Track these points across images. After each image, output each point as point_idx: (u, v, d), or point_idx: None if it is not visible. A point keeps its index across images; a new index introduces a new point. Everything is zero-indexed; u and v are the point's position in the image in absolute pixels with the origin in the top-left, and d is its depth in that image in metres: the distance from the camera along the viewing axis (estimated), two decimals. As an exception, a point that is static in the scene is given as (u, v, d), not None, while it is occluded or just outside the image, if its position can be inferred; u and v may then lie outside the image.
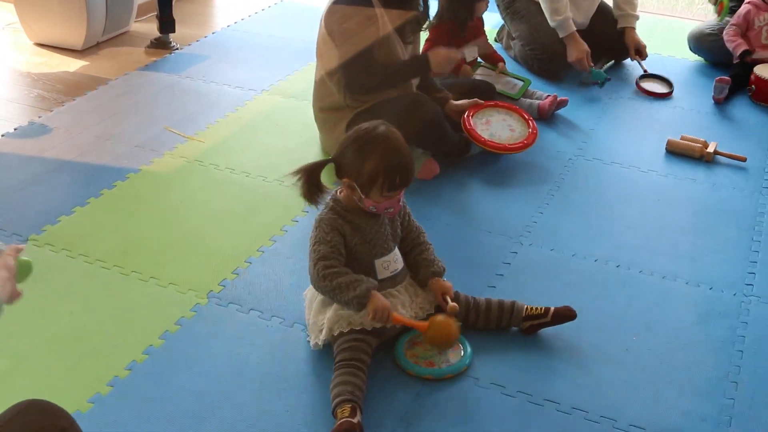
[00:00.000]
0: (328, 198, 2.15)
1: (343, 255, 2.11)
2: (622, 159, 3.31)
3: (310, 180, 2.08)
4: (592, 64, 3.90)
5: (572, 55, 3.87)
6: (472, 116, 3.18)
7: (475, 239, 2.74)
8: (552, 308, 2.23)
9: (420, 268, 2.23)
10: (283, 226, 2.77)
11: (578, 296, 2.44)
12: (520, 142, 3.17)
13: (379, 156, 2.01)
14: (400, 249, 2.26)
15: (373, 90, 3.02)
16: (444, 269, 2.23)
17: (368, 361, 2.05)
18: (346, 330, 2.09)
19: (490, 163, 3.19)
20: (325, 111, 3.15)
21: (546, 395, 2.07)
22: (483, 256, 2.65)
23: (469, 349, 2.18)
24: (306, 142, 3.35)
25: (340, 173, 2.09)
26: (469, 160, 3.21)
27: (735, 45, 3.96)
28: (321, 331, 2.14)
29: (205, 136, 3.39)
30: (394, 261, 2.19)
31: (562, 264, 2.61)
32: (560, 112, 3.65)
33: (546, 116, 3.57)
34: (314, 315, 2.18)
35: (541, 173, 3.18)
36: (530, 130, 3.21)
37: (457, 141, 3.15)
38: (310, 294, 2.22)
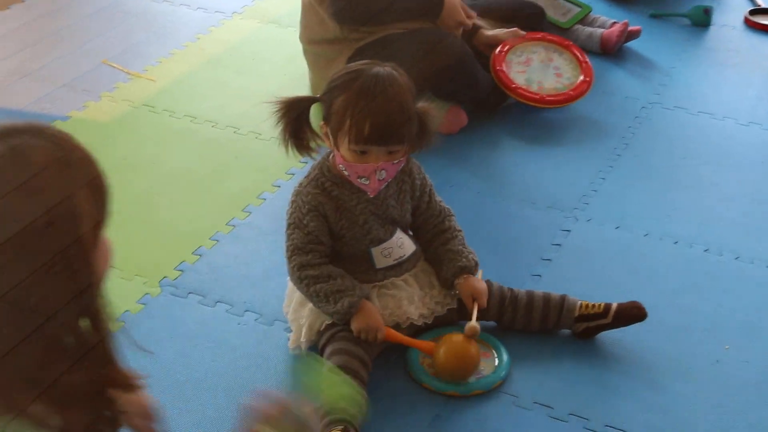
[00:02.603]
0: (317, 160, 2.15)
1: (326, 243, 2.13)
2: (713, 107, 3.31)
3: (291, 117, 2.09)
4: None
5: None
6: (506, 52, 3.17)
7: (514, 213, 2.75)
8: (614, 305, 2.24)
9: (443, 263, 2.22)
10: (261, 192, 2.78)
11: (651, 290, 2.44)
12: (562, 93, 3.15)
13: (352, 93, 2.01)
14: (418, 239, 2.26)
15: (367, 22, 3.02)
16: (476, 263, 2.22)
17: (366, 370, 2.07)
18: (332, 326, 2.12)
19: (535, 114, 3.19)
20: (316, 44, 3.15)
21: (607, 420, 2.08)
22: (525, 235, 2.66)
23: (505, 358, 2.19)
24: (292, 82, 3.35)
25: (323, 117, 2.12)
26: (506, 109, 3.21)
27: None
28: (302, 329, 2.16)
29: (157, 73, 3.39)
30: (398, 246, 2.19)
31: (630, 247, 2.62)
32: (631, 44, 3.64)
33: (612, 50, 3.56)
34: (294, 309, 2.20)
35: (604, 127, 3.18)
36: (582, 77, 3.19)
37: (491, 87, 3.15)
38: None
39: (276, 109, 2.10)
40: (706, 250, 2.61)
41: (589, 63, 3.25)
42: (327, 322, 2.13)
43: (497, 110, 3.21)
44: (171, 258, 2.51)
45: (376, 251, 2.17)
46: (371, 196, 2.13)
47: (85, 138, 3.24)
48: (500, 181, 2.89)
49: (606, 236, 2.66)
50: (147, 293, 2.39)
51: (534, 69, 3.19)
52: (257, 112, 3.17)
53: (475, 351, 2.13)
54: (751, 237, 2.67)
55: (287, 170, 2.87)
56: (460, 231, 2.26)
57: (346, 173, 2.09)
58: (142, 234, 2.61)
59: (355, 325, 2.07)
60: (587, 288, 2.41)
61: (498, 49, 3.17)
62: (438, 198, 2.28)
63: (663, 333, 2.30)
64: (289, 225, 2.13)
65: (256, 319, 2.32)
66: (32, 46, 3.53)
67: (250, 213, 2.70)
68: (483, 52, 3.20)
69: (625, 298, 2.29)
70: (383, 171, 2.06)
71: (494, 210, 2.76)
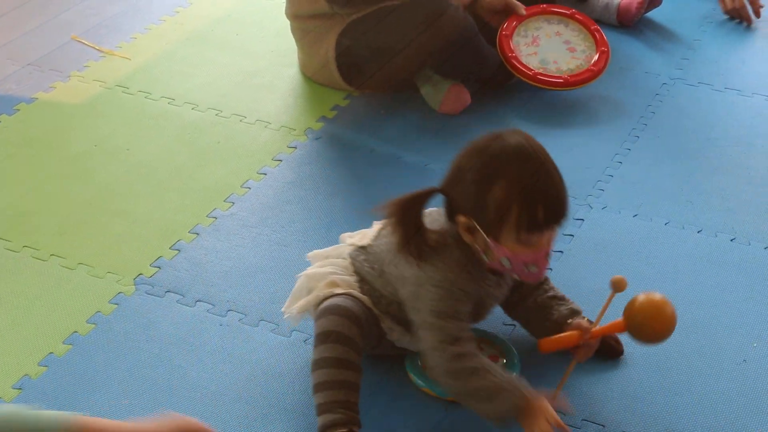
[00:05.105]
0: (445, 235, 2.02)
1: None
2: (741, 83, 3.29)
3: (406, 220, 1.98)
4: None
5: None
6: (510, 35, 3.15)
7: (523, 201, 2.74)
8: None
9: (551, 308, 2.15)
10: (245, 181, 2.78)
11: (672, 283, 2.43)
12: (585, 71, 3.14)
13: (511, 177, 1.89)
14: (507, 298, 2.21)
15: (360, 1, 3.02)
16: (581, 309, 2.17)
17: (361, 338, 2.02)
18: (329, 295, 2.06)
19: (544, 92, 3.18)
20: (303, 20, 3.15)
21: (624, 426, 2.07)
22: (535, 224, 2.65)
23: (515, 361, 2.19)
24: (279, 60, 3.34)
25: (452, 208, 2.00)
26: (513, 87, 3.20)
27: None
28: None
29: (131, 51, 3.38)
30: None
31: (649, 236, 2.61)
32: (650, 14, 3.63)
33: (630, 22, 3.55)
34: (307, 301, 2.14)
35: (621, 106, 3.17)
36: (599, 48, 3.18)
37: (497, 63, 3.14)
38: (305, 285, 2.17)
39: (389, 216, 1.99)
40: (732, 240, 2.61)
41: (600, 30, 3.24)
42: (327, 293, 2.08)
43: (503, 88, 3.19)
44: (146, 253, 2.51)
45: None
46: (534, 282, 2.10)
47: (53, 122, 3.26)
48: (507, 166, 2.88)
49: (623, 225, 2.65)
50: (120, 292, 2.39)
51: (544, 47, 3.18)
52: (242, 93, 3.17)
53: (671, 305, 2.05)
54: (782, 225, 2.67)
55: (274, 156, 2.86)
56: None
57: (507, 265, 1.98)
58: (114, 227, 2.60)
59: (530, 429, 1.92)
60: (602, 282, 2.37)
61: (504, 27, 3.15)
62: None
63: (685, 330, 2.29)
64: (438, 314, 1.97)
65: (240, 320, 2.31)
66: (-5, 21, 3.53)
67: (233, 204, 2.69)
68: (489, 23, 3.19)
69: (647, 290, 2.27)
70: (551, 251, 1.99)
71: (501, 197, 2.75)
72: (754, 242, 2.59)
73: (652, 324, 2.04)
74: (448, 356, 1.94)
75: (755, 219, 2.68)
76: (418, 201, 1.99)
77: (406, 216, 1.98)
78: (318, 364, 1.99)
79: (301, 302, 2.12)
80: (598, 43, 3.19)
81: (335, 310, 2.02)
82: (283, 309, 2.21)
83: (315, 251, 2.25)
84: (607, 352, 2.23)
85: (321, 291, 2.08)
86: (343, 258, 2.16)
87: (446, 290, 1.96)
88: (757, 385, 2.18)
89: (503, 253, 1.94)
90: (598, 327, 2.10)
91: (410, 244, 1.97)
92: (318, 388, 1.98)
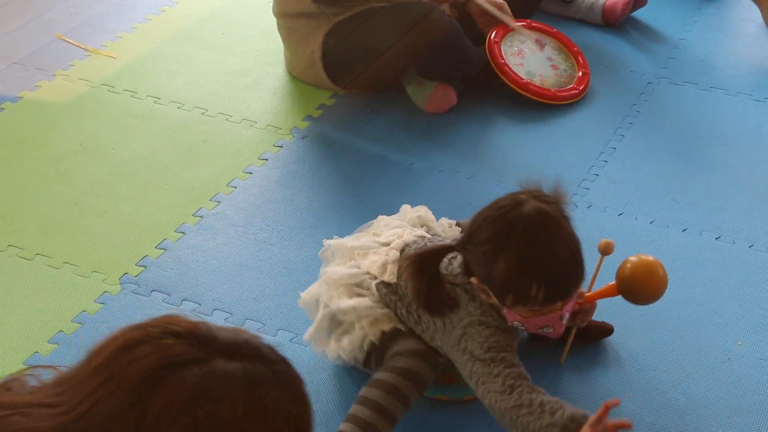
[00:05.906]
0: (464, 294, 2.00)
1: None
2: (726, 82, 3.31)
3: (420, 275, 1.97)
4: None
5: None
6: (500, 43, 3.17)
7: (509, 199, 2.75)
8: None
9: None
10: (231, 180, 2.79)
11: (658, 282, 2.45)
12: (572, 89, 3.18)
13: (516, 254, 1.86)
14: None
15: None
16: None
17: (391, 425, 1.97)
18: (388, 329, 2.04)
19: (532, 90, 3.19)
20: (290, 18, 3.15)
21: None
22: (521, 223, 2.66)
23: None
24: (265, 59, 3.35)
25: (467, 268, 1.99)
26: (498, 87, 3.21)
27: None
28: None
29: (117, 50, 3.38)
30: None
31: (634, 235, 2.62)
32: (636, 14, 3.64)
33: (616, 22, 3.56)
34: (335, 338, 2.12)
35: (606, 105, 3.18)
36: (580, 70, 3.23)
37: (482, 63, 3.16)
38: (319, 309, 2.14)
39: (406, 269, 1.99)
40: (717, 238, 2.62)
41: (581, 50, 3.28)
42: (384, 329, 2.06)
43: (488, 86, 3.20)
44: (132, 252, 2.51)
45: None
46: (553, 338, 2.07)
47: (38, 121, 3.25)
48: (492, 165, 2.89)
49: (608, 224, 2.66)
50: (106, 291, 2.39)
51: (530, 60, 3.20)
52: (228, 91, 3.17)
53: (662, 267, 2.10)
54: (767, 223, 2.68)
55: (260, 155, 2.87)
56: None
57: (521, 327, 1.98)
58: (100, 226, 2.60)
59: None
60: (588, 281, 2.41)
61: (492, 36, 3.16)
62: None
63: (669, 328, 2.31)
64: (490, 349, 1.93)
65: (225, 319, 2.32)
66: (-21, 20, 3.53)
67: (219, 202, 2.70)
68: (477, 23, 3.20)
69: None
70: (567, 312, 1.97)
71: (486, 196, 2.70)
72: (739, 241, 2.61)
73: (645, 285, 2.09)
74: (511, 385, 1.88)
75: (740, 218, 2.69)
76: (434, 257, 1.99)
77: (422, 272, 1.97)
78: (382, 386, 1.96)
79: (345, 344, 2.07)
80: (580, 65, 3.23)
81: (421, 355, 2.00)
82: (306, 337, 2.15)
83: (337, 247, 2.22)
84: (599, 332, 2.26)
85: (369, 330, 2.05)
86: (371, 292, 2.11)
87: (493, 327, 1.95)
88: (741, 384, 2.19)
89: (514, 318, 1.93)
90: (592, 291, 2.13)
91: (423, 301, 1.98)
92: (365, 402, 1.95)
